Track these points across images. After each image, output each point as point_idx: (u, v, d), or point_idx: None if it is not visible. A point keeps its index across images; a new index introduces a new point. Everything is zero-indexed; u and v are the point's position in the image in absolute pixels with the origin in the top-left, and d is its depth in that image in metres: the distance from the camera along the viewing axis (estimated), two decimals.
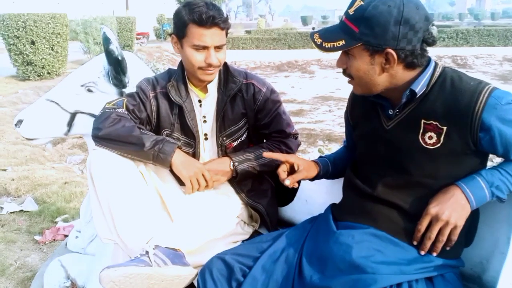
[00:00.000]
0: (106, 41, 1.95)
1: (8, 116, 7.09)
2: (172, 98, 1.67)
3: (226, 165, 1.69)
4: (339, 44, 1.23)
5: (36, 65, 10.64)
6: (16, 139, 5.84)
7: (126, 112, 1.63)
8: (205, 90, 1.71)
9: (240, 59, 18.10)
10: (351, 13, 1.23)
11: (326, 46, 1.26)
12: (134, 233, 1.47)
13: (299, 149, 1.87)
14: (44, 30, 10.46)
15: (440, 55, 18.38)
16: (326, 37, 1.28)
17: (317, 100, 12.13)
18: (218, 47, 1.58)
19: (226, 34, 1.62)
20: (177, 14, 1.58)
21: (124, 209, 1.47)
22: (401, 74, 1.25)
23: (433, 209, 1.22)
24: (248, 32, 28.66)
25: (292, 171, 1.53)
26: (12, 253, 2.84)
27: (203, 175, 1.59)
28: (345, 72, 1.33)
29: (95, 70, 2.07)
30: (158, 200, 1.60)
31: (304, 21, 49.17)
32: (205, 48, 1.56)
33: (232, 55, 19.03)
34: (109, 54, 1.96)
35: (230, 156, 1.71)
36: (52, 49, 10.78)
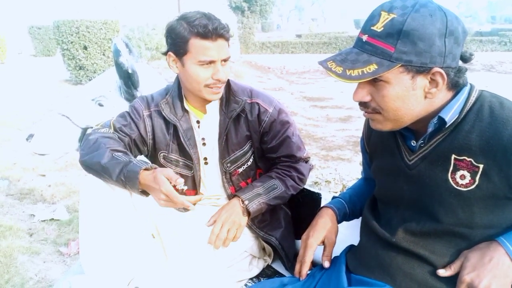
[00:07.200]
0: (117, 53, 1.83)
1: None
2: (166, 116, 1.52)
3: (238, 207, 1.47)
4: (369, 69, 0.97)
5: (88, 70, 10.91)
6: None
7: (111, 131, 1.49)
8: (203, 110, 1.54)
9: (289, 64, 17.87)
10: (379, 30, 0.98)
11: (352, 75, 0.98)
12: (114, 271, 1.32)
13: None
14: (96, 35, 10.71)
15: (502, 60, 17.28)
16: (348, 64, 1.00)
17: None
18: (224, 60, 1.43)
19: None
20: (173, 29, 1.41)
21: (106, 243, 1.33)
22: (440, 98, 1.02)
23: (468, 276, 0.96)
24: (298, 36, 28.36)
25: None
26: (35, 265, 2.80)
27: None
28: (366, 105, 1.06)
29: (106, 83, 1.97)
30: (155, 232, 1.44)
31: (357, 24, 47.89)
32: (211, 62, 1.40)
33: (282, 60, 18.82)
34: (119, 67, 1.84)
35: (237, 195, 1.50)
36: (104, 54, 10.99)
